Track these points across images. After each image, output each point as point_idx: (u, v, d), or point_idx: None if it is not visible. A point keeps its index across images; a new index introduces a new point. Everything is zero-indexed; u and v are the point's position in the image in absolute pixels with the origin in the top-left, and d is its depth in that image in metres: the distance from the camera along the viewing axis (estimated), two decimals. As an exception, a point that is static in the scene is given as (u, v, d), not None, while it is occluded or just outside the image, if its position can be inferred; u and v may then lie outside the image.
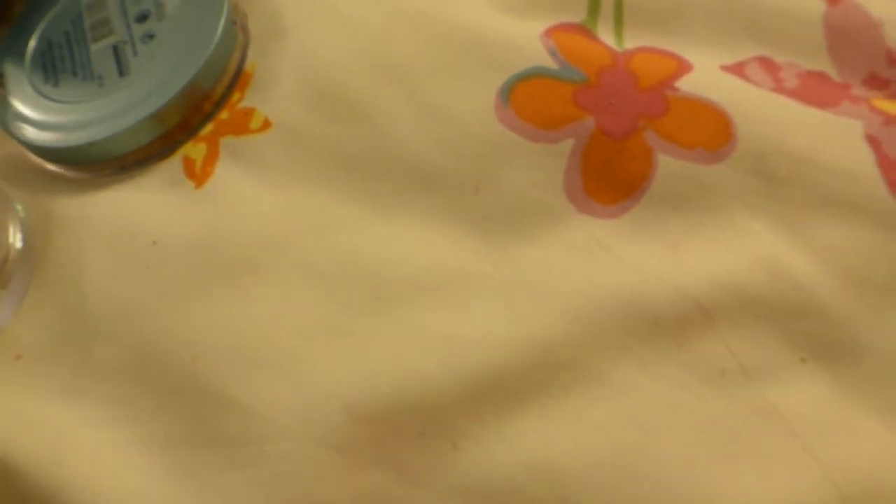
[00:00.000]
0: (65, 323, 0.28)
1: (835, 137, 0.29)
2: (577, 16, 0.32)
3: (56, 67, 0.32)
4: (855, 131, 0.30)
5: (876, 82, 0.32)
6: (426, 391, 0.26)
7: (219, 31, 0.30)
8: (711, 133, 0.29)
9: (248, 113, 0.31)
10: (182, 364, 0.27)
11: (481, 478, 0.25)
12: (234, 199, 0.29)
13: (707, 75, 0.30)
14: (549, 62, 0.30)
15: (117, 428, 0.27)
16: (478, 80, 0.30)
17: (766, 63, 0.32)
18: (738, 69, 0.31)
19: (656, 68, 0.30)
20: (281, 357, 0.27)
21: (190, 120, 0.30)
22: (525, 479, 0.25)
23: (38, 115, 0.31)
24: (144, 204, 0.30)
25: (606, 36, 0.32)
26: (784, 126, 0.29)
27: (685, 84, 0.30)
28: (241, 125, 0.30)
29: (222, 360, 0.27)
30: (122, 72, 0.31)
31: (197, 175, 0.30)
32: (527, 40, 0.31)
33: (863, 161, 0.29)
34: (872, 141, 0.30)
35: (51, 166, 0.31)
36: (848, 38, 0.31)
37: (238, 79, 0.31)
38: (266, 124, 0.30)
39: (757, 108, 0.29)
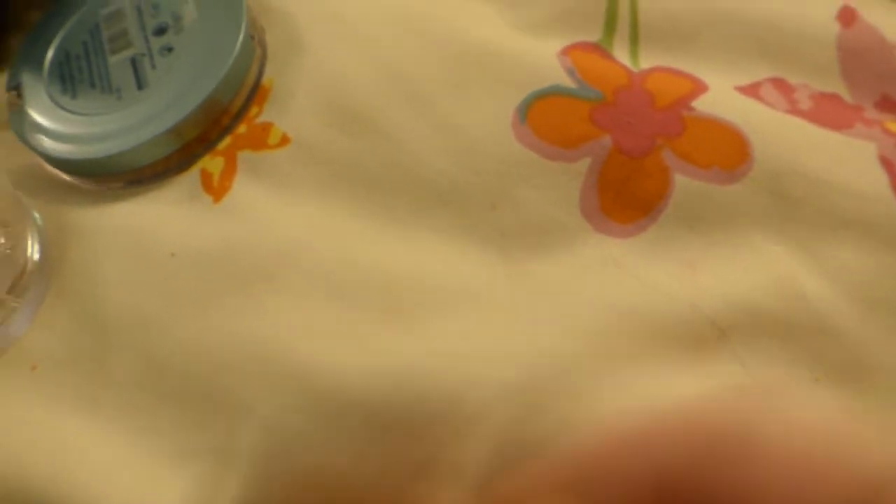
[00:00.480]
0: (81, 334, 0.28)
1: (849, 159, 0.29)
2: (593, 35, 0.32)
3: (74, 78, 0.32)
4: (869, 153, 0.30)
5: (888, 104, 0.32)
6: (442, 403, 0.26)
7: (238, 45, 0.30)
8: (727, 153, 0.29)
9: (266, 128, 0.31)
10: (201, 375, 0.27)
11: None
12: (252, 212, 0.30)
13: (722, 96, 0.31)
14: (566, 81, 0.30)
15: (135, 439, 0.27)
16: (495, 97, 0.30)
17: (780, 84, 0.32)
18: (752, 90, 0.32)
19: (672, 88, 0.31)
20: (297, 368, 0.27)
21: (208, 134, 0.31)
22: None
23: (55, 127, 0.31)
24: (162, 216, 0.30)
25: (622, 55, 0.32)
26: (799, 147, 0.29)
27: (701, 104, 0.30)
28: (260, 140, 0.31)
29: (241, 371, 0.27)
30: (140, 85, 0.31)
31: (215, 189, 0.30)
32: (544, 59, 0.31)
33: (876, 183, 0.29)
34: (886, 163, 0.30)
35: (67, 177, 0.31)
36: (861, 59, 0.31)
37: (256, 93, 0.31)
38: (284, 140, 0.30)
39: (772, 128, 0.30)
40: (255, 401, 0.27)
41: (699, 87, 0.31)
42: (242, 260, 0.29)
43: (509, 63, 0.31)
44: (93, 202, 0.30)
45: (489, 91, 0.30)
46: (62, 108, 0.31)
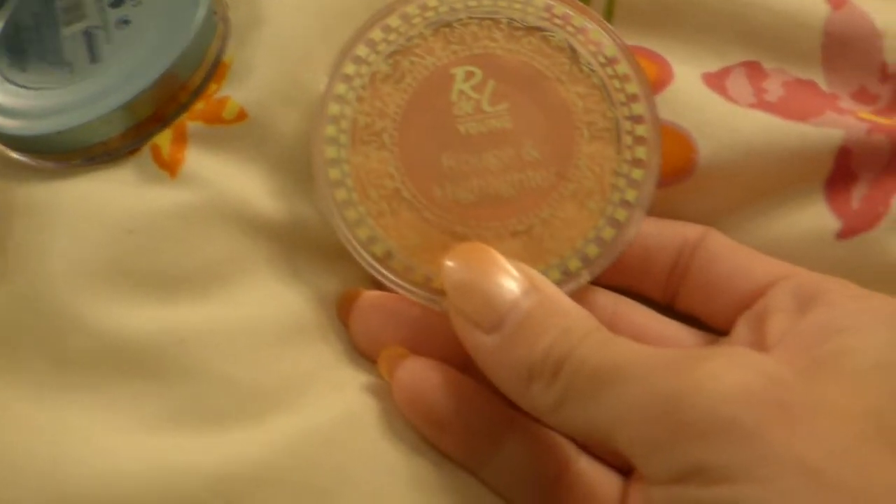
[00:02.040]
0: (32, 315, 0.27)
1: (797, 162, 0.30)
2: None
3: (24, 51, 0.31)
4: (828, 145, 0.30)
5: (864, 97, 0.31)
6: None
7: (198, 19, 0.29)
8: (671, 160, 0.30)
9: (222, 101, 0.29)
10: (166, 348, 0.27)
11: None
12: (208, 187, 0.29)
13: (685, 89, 0.30)
14: None
15: (93, 415, 0.26)
16: None
17: (753, 69, 0.31)
18: (720, 78, 0.31)
19: None
20: (272, 339, 0.28)
21: (164, 111, 0.29)
22: None
23: (3, 101, 0.30)
24: (116, 193, 0.28)
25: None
26: (749, 152, 0.30)
27: (659, 102, 0.30)
28: (214, 114, 0.29)
29: (210, 343, 0.27)
30: (93, 58, 0.30)
31: (167, 162, 0.29)
32: None
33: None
34: (842, 154, 0.30)
35: (15, 154, 0.30)
36: (845, 47, 0.31)
37: (216, 70, 0.30)
38: (241, 115, 0.29)
39: (724, 133, 0.30)
40: (231, 369, 0.27)
41: (664, 77, 0.30)
42: (203, 235, 0.28)
43: None
44: (42, 180, 0.29)
45: None
46: (11, 82, 0.30)
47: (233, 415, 0.27)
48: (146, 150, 0.29)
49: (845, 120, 0.30)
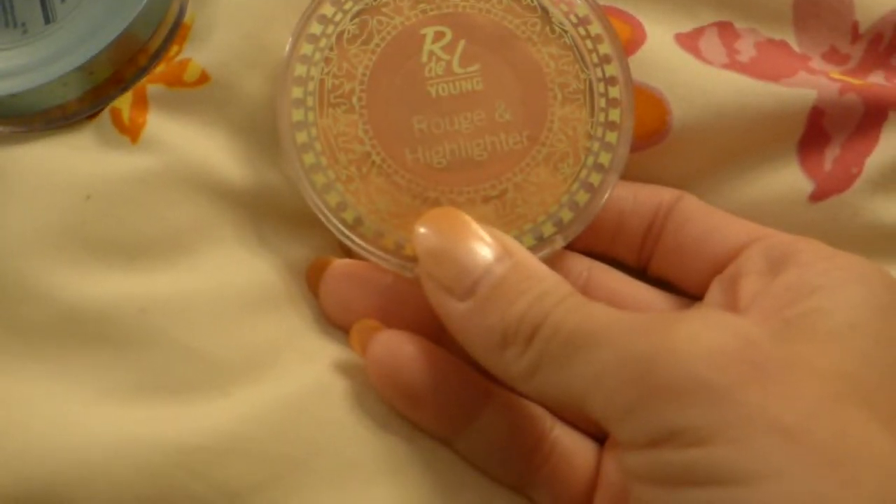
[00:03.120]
0: None
1: (770, 123, 0.30)
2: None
3: (-26, 11, 0.29)
4: (800, 105, 0.30)
5: (836, 57, 0.31)
6: None
7: (156, -22, 0.28)
8: (646, 121, 0.29)
9: (184, 63, 0.28)
10: (126, 317, 0.26)
11: None
12: (170, 152, 0.28)
13: (657, 49, 0.30)
14: None
15: (50, 385, 0.26)
16: None
17: (726, 29, 0.31)
18: (693, 38, 0.31)
19: None
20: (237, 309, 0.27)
21: (122, 73, 0.28)
22: None
23: (-48, 63, 0.29)
24: (74, 158, 0.28)
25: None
26: (722, 111, 0.30)
27: (632, 63, 0.29)
28: (175, 76, 0.28)
29: (172, 312, 0.26)
30: (48, 18, 0.29)
31: (127, 127, 0.28)
32: None
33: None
34: (814, 114, 0.30)
35: (-32, 119, 0.29)
36: (816, 6, 0.31)
37: (177, 31, 0.29)
38: (203, 77, 0.28)
39: (697, 94, 0.30)
40: (193, 339, 0.27)
41: (637, 38, 0.30)
42: (165, 201, 0.27)
43: None
44: (-2, 145, 0.28)
45: None
46: (-40, 42, 0.29)
47: (197, 385, 0.26)
48: (105, 114, 0.28)
49: (817, 80, 0.30)
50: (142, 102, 0.28)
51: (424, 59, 0.28)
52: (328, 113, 0.28)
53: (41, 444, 0.24)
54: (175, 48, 0.29)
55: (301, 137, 0.27)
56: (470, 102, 0.28)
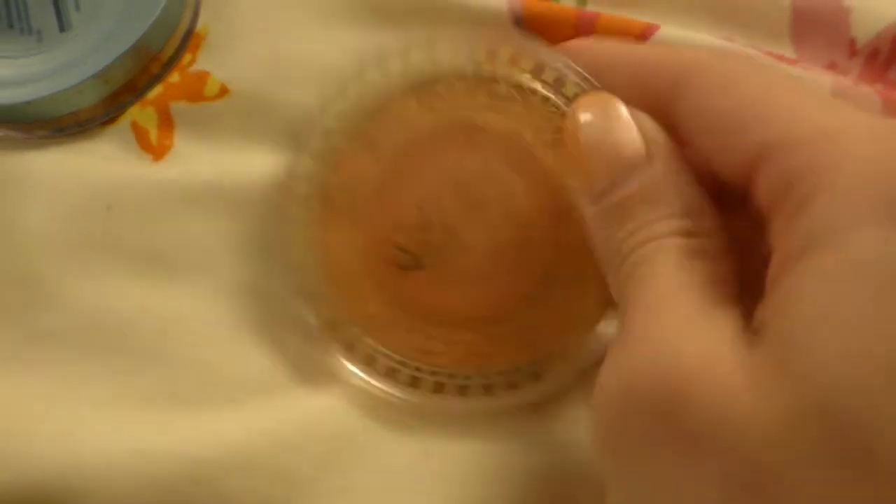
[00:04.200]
0: (6, 287, 0.27)
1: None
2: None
3: (-11, 18, 0.30)
4: None
5: (836, 70, 0.32)
6: None
7: (169, -12, 0.28)
8: None
9: (203, 77, 0.29)
10: (144, 329, 0.27)
11: None
12: (193, 166, 0.28)
13: (671, 35, 0.30)
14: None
15: (64, 391, 0.26)
16: (447, 50, 0.29)
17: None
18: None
19: (622, 29, 0.30)
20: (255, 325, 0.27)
21: (136, 82, 0.29)
22: None
23: (-32, 69, 0.29)
24: (97, 168, 0.28)
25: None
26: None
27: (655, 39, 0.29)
28: (196, 91, 0.29)
29: (189, 326, 0.27)
30: (62, 27, 0.29)
31: (154, 148, 0.29)
32: (494, 7, 0.30)
33: None
34: None
35: (-20, 124, 0.29)
36: (814, 24, 0.31)
37: (189, 40, 0.29)
38: (223, 91, 0.29)
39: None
40: (210, 354, 0.27)
41: (651, 27, 0.30)
42: (188, 215, 0.28)
43: (457, 15, 0.30)
44: (12, 150, 0.28)
45: (440, 45, 0.29)
46: (-24, 48, 0.29)
47: (211, 398, 0.26)
48: (127, 129, 0.29)
49: (815, 75, 0.30)
50: (167, 122, 0.29)
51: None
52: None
53: (51, 449, 0.25)
54: (188, 57, 0.29)
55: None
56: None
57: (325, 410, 0.27)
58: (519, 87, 0.27)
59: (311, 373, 0.28)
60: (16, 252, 0.27)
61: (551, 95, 0.26)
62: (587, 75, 0.26)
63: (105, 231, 0.27)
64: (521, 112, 0.26)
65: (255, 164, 0.28)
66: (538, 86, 0.26)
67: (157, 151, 0.29)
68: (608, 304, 0.26)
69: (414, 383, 0.26)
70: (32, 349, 0.27)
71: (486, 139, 0.26)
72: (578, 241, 0.24)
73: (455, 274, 0.26)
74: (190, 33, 0.29)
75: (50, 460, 0.25)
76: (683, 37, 0.30)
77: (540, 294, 0.26)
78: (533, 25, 0.30)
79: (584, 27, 0.30)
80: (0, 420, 0.26)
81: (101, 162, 0.28)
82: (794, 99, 0.21)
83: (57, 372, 0.26)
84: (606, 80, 0.25)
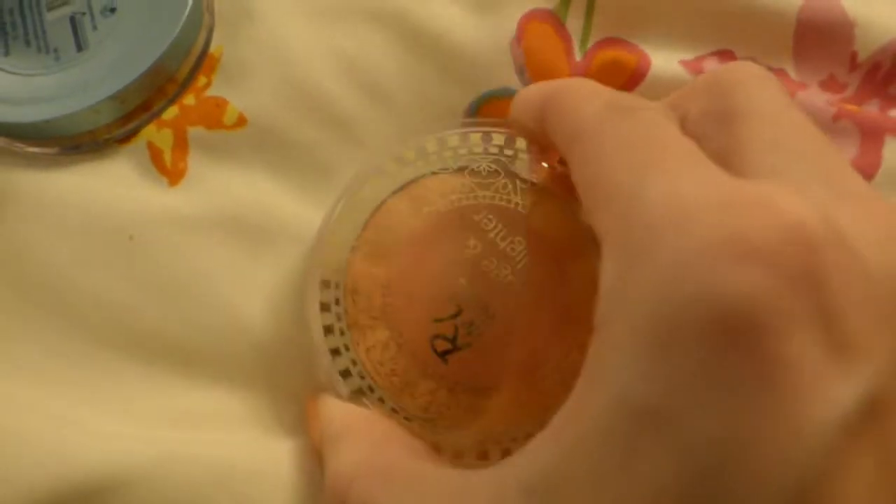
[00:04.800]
0: (28, 304, 0.28)
1: None
2: (550, 2, 0.31)
3: (7, 34, 0.30)
4: None
5: (833, 85, 0.32)
6: None
7: (187, 9, 0.29)
8: None
9: (221, 105, 0.30)
10: (155, 358, 0.28)
11: None
12: (209, 196, 0.29)
13: (662, 75, 0.31)
14: (516, 82, 0.30)
15: (74, 404, 0.27)
16: (447, 95, 0.30)
17: (726, 58, 0.32)
18: (695, 65, 0.31)
19: (613, 78, 0.31)
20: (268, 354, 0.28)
21: (151, 102, 0.29)
22: None
23: (-14, 84, 0.29)
24: (112, 192, 0.29)
25: (576, 24, 0.31)
26: None
27: (641, 88, 0.30)
28: (214, 118, 0.30)
29: (213, 360, 0.28)
30: (80, 46, 0.29)
31: (169, 170, 0.29)
32: (497, 53, 0.30)
33: None
34: None
35: (-3, 139, 0.30)
36: (817, 36, 0.31)
37: (203, 61, 0.30)
38: (241, 121, 0.29)
39: None
40: (232, 381, 0.28)
41: (643, 66, 0.31)
42: (205, 245, 0.29)
43: (461, 59, 0.30)
44: (27, 167, 0.29)
45: (441, 88, 0.30)
46: (-6, 64, 0.30)
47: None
48: (142, 147, 0.29)
49: (812, 101, 0.31)
50: (182, 145, 0.29)
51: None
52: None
53: (47, 461, 0.26)
54: (203, 79, 0.30)
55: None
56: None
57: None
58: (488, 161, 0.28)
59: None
60: (32, 269, 0.28)
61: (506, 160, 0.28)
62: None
63: (128, 261, 0.28)
64: (500, 183, 0.28)
65: (269, 198, 0.29)
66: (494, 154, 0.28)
67: (172, 175, 0.29)
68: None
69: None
70: (54, 365, 0.28)
71: (478, 217, 0.27)
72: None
73: (492, 342, 0.27)
74: (204, 54, 0.30)
75: (42, 475, 0.26)
76: (673, 73, 0.31)
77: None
78: (535, 76, 0.31)
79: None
80: (30, 429, 0.26)
81: (117, 184, 0.29)
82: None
83: (73, 392, 0.28)
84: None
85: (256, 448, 0.27)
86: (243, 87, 0.30)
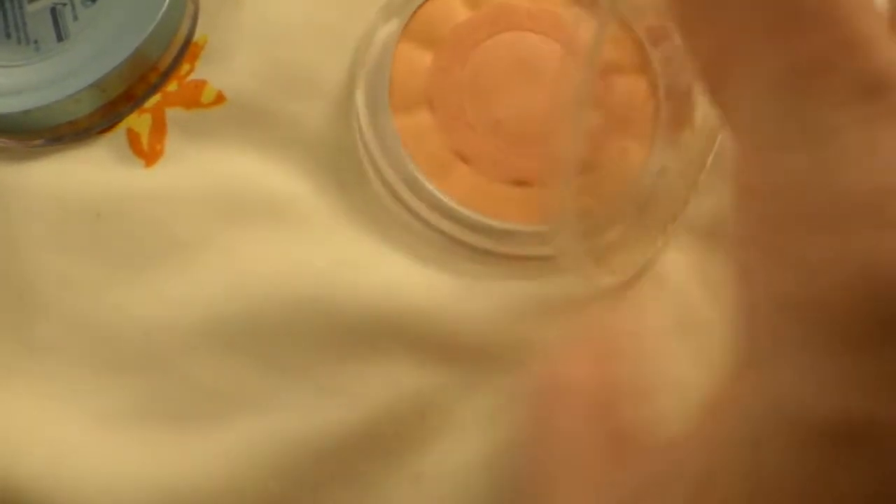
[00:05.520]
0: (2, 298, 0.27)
1: None
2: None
3: (-13, 27, 0.30)
4: None
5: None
6: None
7: (167, -1, 0.29)
8: None
9: (200, 86, 0.29)
10: (131, 340, 0.26)
11: None
12: (184, 170, 0.28)
13: None
14: None
15: (54, 407, 0.26)
16: None
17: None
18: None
19: None
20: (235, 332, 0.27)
21: (134, 91, 0.29)
22: None
23: (-34, 78, 0.29)
24: (87, 177, 0.28)
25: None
26: None
27: None
28: (192, 98, 0.29)
29: (176, 335, 0.26)
30: (60, 36, 0.29)
31: (146, 153, 0.28)
32: None
33: None
34: None
35: (-23, 133, 0.29)
36: None
37: (187, 50, 0.29)
38: (219, 98, 0.29)
39: None
40: (192, 366, 0.26)
41: None
42: (177, 222, 0.28)
43: None
44: (8, 159, 0.28)
45: None
46: (-27, 58, 0.29)
47: (194, 415, 0.26)
48: (122, 135, 0.29)
49: None
50: (161, 127, 0.29)
51: None
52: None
53: (39, 472, 0.25)
54: (186, 66, 0.29)
55: None
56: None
57: (319, 429, 0.26)
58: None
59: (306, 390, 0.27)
60: (9, 263, 0.27)
61: None
62: None
63: (94, 239, 0.27)
64: None
65: (245, 172, 0.28)
66: None
67: (148, 157, 0.28)
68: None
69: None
70: (23, 360, 0.26)
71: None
72: None
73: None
74: (188, 43, 0.30)
75: (34, 485, 0.25)
76: None
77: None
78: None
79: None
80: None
81: (93, 169, 0.28)
82: None
83: (50, 386, 0.26)
84: None
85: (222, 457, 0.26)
86: (223, 68, 0.29)
